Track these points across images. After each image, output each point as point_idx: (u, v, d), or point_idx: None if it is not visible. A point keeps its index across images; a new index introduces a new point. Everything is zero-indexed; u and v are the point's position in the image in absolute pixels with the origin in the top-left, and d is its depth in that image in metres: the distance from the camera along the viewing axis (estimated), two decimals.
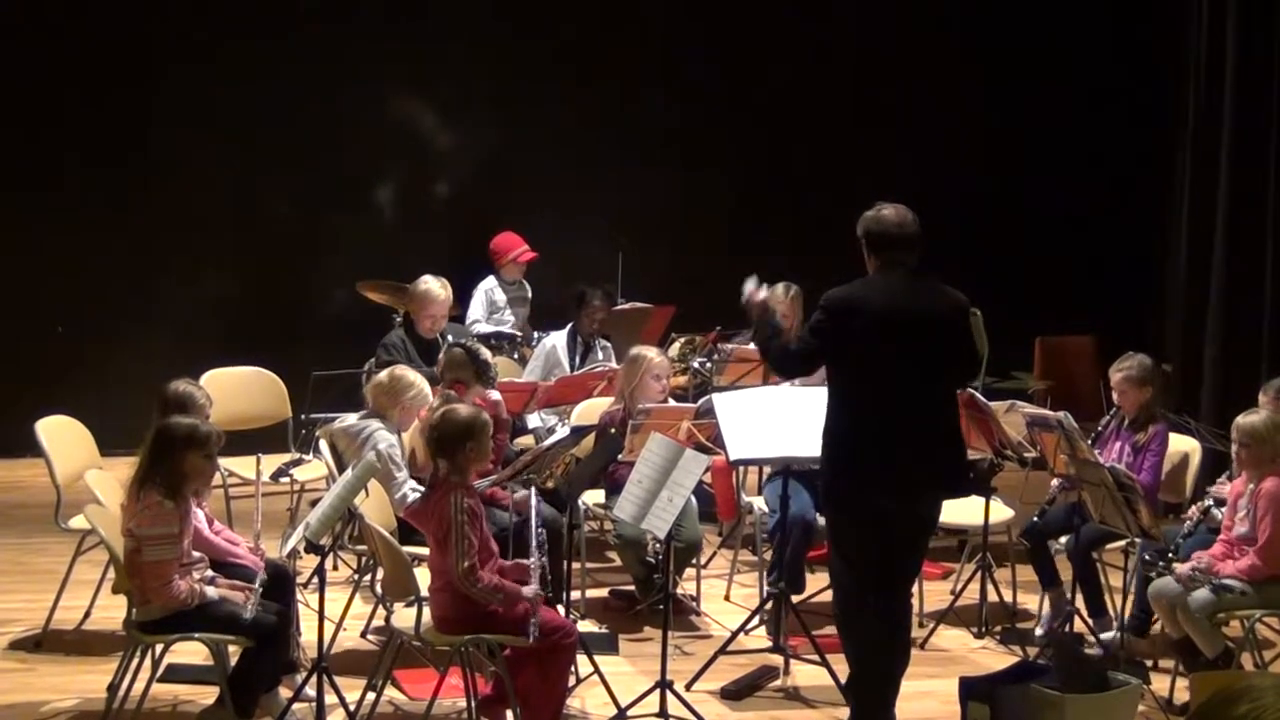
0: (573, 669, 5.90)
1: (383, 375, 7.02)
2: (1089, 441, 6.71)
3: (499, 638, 5.57)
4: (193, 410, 6.22)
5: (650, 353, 7.50)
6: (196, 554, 5.80)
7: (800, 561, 7.28)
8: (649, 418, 7.02)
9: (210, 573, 5.83)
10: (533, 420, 8.58)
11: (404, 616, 5.73)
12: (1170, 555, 6.32)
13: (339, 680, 5.78)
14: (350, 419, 6.94)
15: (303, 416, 8.34)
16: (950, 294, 5.68)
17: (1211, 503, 6.60)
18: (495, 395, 7.29)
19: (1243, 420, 6.32)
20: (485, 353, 7.29)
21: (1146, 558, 6.39)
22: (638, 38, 10.87)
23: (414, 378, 6.94)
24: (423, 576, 5.74)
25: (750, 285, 5.84)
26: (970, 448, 7.00)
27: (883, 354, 5.49)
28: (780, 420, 6.46)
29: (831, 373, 5.69)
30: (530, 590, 5.55)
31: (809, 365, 5.79)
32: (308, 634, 6.20)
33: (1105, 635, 6.77)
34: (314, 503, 6.57)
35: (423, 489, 6.71)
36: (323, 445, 7.06)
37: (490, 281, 9.81)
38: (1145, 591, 6.58)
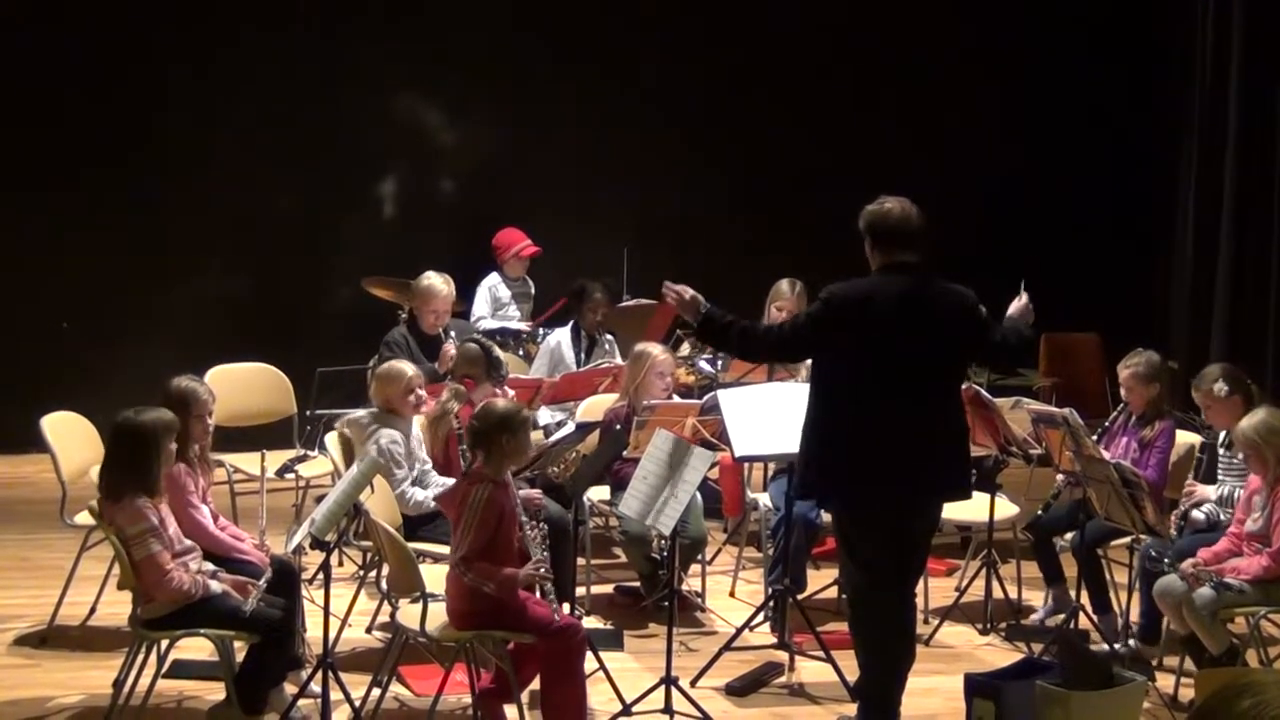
0: None
1: (379, 370, 7.07)
2: (1095, 437, 6.69)
3: (508, 634, 5.57)
4: (195, 406, 6.20)
5: (655, 349, 7.48)
6: (188, 541, 5.79)
7: (803, 559, 7.28)
8: (654, 414, 7.01)
9: (211, 566, 5.84)
10: (542, 417, 8.58)
11: (409, 612, 5.72)
12: (1170, 559, 6.31)
13: (344, 676, 5.78)
14: (361, 414, 6.96)
15: (308, 413, 8.35)
16: (955, 291, 5.60)
17: (1187, 507, 6.61)
18: (510, 394, 7.29)
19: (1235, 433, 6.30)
20: (498, 350, 7.33)
21: (1153, 554, 6.38)
22: (640, 35, 10.86)
23: (403, 368, 6.96)
24: (427, 572, 5.74)
25: (671, 288, 5.60)
26: (976, 444, 7.00)
27: (885, 352, 5.41)
28: (785, 417, 6.43)
29: (825, 370, 5.60)
30: (523, 574, 5.52)
31: (794, 353, 5.67)
32: (313, 630, 6.20)
33: (1119, 646, 6.69)
34: (319, 499, 6.57)
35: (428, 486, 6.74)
36: (328, 441, 7.07)
37: (494, 278, 9.78)
38: (1150, 594, 6.56)
